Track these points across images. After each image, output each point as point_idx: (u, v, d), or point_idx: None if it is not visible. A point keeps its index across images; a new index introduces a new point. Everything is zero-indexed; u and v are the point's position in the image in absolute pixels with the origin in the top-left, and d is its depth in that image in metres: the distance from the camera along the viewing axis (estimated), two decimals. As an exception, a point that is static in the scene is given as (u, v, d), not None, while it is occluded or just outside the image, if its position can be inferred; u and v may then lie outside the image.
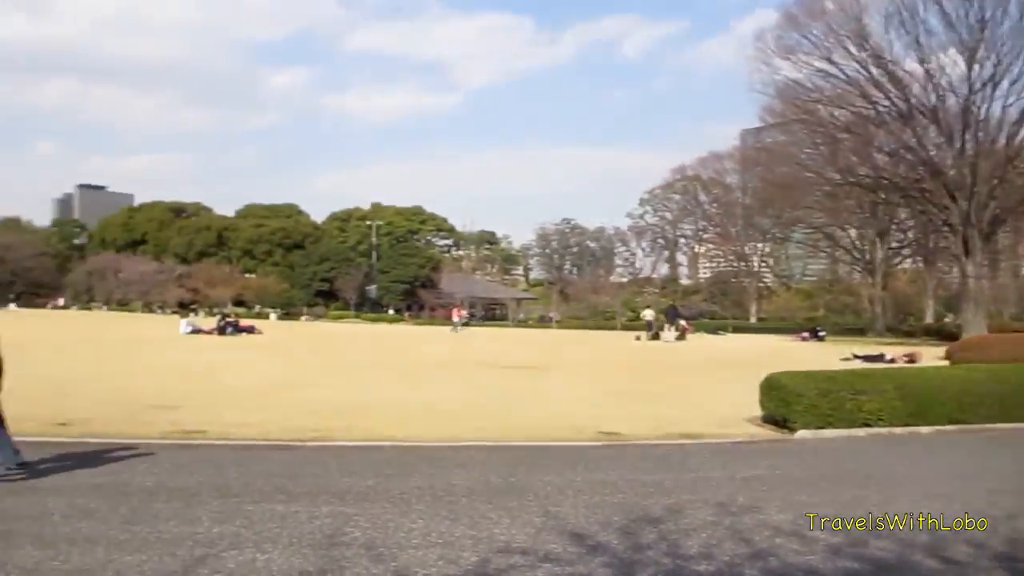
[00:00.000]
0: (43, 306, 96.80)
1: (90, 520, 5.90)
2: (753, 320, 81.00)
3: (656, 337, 43.38)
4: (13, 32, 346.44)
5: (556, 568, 5.06)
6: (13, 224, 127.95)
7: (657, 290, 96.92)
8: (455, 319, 57.64)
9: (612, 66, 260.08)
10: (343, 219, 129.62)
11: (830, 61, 42.77)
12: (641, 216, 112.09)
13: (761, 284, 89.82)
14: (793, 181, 52.32)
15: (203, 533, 5.64)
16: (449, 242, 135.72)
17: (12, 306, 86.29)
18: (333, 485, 7.36)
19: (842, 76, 42.86)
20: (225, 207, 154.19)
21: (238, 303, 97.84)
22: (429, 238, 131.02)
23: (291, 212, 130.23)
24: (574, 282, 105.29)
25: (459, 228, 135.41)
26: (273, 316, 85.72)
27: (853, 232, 67.08)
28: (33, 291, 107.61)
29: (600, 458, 9.14)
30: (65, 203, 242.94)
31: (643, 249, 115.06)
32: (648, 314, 49.12)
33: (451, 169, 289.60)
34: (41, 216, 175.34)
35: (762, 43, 46.09)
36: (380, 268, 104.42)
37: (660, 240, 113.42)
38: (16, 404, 11.64)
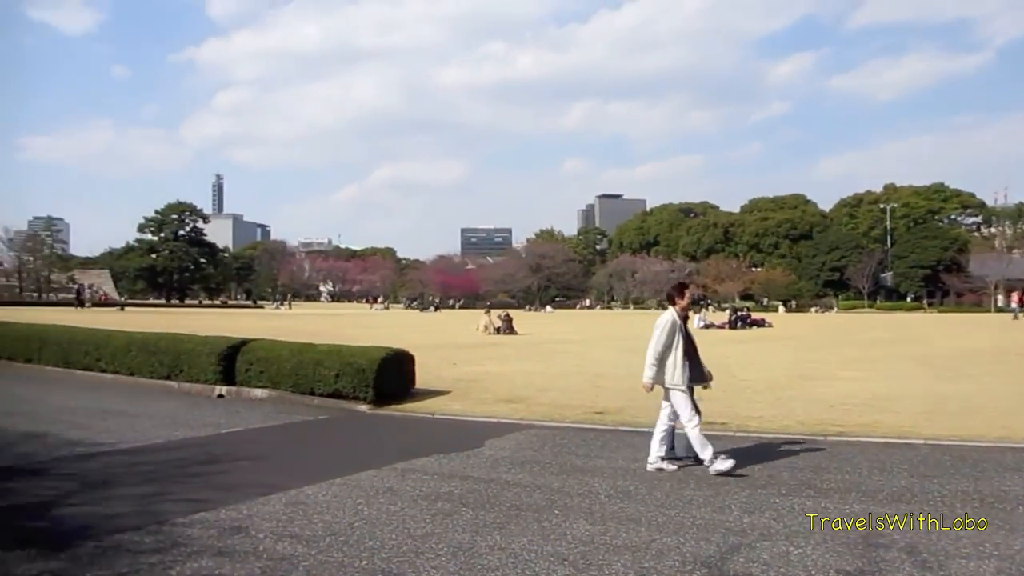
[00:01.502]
0: (572, 307, 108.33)
1: (630, 501, 6.43)
2: None
3: None
4: (545, 67, 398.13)
5: None
6: (547, 235, 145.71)
7: None
8: (1014, 304, 51.47)
9: None
10: (852, 204, 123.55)
11: None
12: None
13: None
14: None
15: (733, 522, 5.79)
16: (978, 219, 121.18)
17: (548, 308, 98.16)
18: (862, 483, 7.02)
19: None
20: (730, 203, 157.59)
21: (745, 296, 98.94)
22: (953, 217, 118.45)
23: (796, 202, 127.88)
24: None
25: (989, 203, 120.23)
26: (781, 308, 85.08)
27: None
28: (564, 294, 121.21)
29: None
30: (588, 213, 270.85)
31: None
32: None
33: (978, 138, 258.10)
34: (568, 226, 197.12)
35: None
36: (895, 253, 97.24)
37: None
38: (560, 395, 13.21)
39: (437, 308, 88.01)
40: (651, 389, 7.74)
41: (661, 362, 7.64)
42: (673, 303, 7.99)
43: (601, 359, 21.00)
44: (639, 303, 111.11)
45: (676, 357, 7.60)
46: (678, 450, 7.85)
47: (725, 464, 7.31)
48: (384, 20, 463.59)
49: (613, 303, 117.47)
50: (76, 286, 78.48)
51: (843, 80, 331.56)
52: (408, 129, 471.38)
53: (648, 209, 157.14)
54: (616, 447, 8.87)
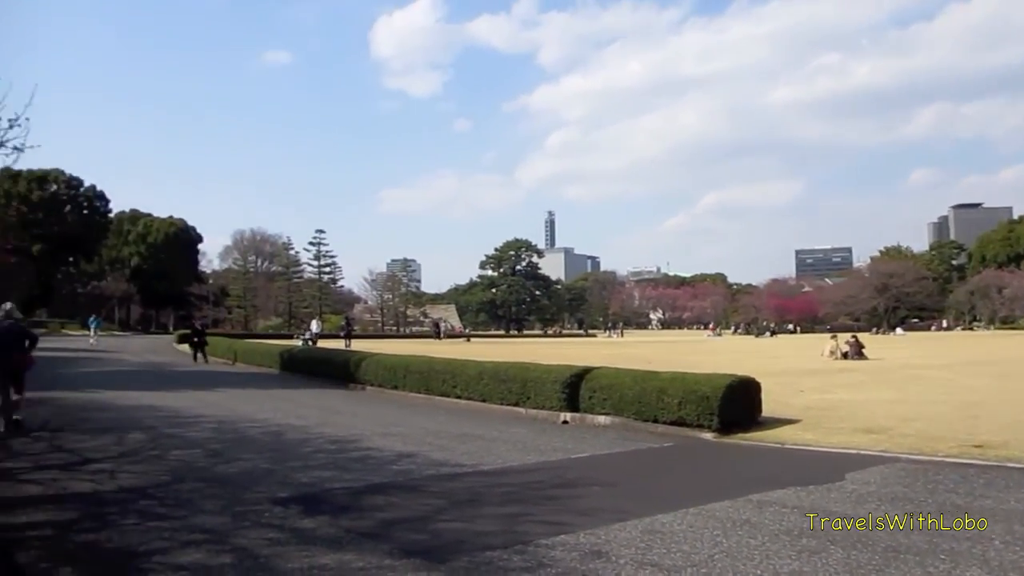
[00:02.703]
0: (926, 329, 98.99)
1: (1034, 549, 5.63)
2: None
3: None
4: (885, 74, 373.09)
5: None
6: (894, 252, 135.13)
7: None
8: None
9: None
10: None
11: None
12: None
13: None
14: None
15: None
16: None
17: (899, 330, 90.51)
18: None
19: None
20: None
21: None
22: None
23: None
24: None
25: None
26: None
27: None
28: (915, 315, 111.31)
29: None
30: (940, 225, 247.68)
31: None
32: None
33: None
34: (917, 241, 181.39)
35: None
36: None
37: None
38: (928, 425, 12.08)
39: (773, 333, 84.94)
40: None
41: None
42: None
43: (972, 386, 18.87)
44: (1008, 323, 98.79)
45: None
46: None
47: None
48: (706, 47, 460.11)
49: (976, 323, 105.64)
50: (434, 320, 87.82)
51: None
52: (735, 153, 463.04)
53: (1016, 216, 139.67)
54: (1005, 486, 7.86)
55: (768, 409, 13.04)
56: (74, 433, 12.27)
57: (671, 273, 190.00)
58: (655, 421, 12.43)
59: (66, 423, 13.41)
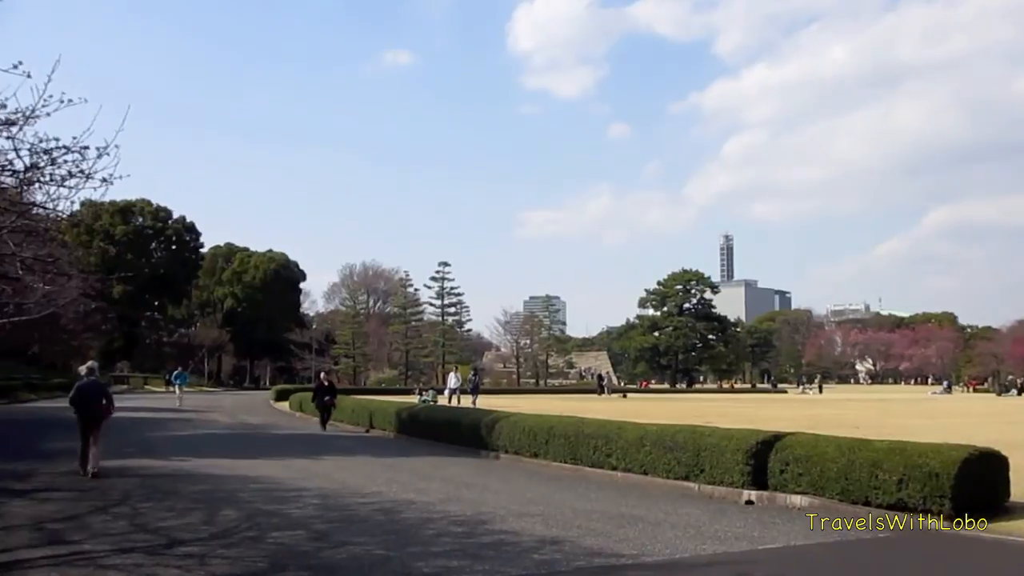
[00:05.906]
0: None
1: None
2: None
3: None
4: None
5: None
6: None
7: None
8: None
9: None
10: None
11: None
12: None
13: None
14: None
15: None
16: None
17: None
18: None
19: None
20: None
21: None
22: None
23: None
24: None
25: None
26: None
27: None
28: None
29: None
30: None
31: None
32: None
33: None
34: None
35: None
36: None
37: None
38: None
39: (1021, 391, 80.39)
40: None
41: None
42: None
43: None
44: None
45: None
46: None
47: None
48: (933, 25, 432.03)
49: None
50: (590, 371, 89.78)
51: None
52: (971, 158, 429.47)
53: None
54: None
55: (1019, 492, 12.32)
56: (159, 510, 12.87)
57: (884, 312, 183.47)
58: (866, 503, 11.96)
59: (150, 497, 14.12)
